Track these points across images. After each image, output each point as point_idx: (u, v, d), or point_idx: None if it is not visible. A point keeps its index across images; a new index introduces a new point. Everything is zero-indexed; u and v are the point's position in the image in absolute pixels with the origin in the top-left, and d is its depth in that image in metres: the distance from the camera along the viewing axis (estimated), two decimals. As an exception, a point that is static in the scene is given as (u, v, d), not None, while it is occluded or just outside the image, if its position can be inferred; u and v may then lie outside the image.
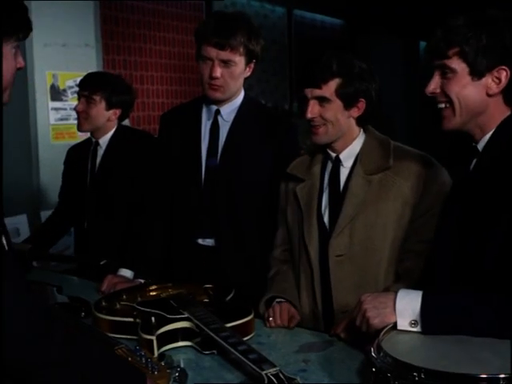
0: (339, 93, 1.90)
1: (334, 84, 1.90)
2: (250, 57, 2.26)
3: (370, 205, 1.90)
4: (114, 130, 2.92)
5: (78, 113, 2.88)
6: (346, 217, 1.91)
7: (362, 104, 1.93)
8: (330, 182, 2.00)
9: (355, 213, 1.91)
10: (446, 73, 1.55)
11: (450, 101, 1.55)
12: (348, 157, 1.98)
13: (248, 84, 2.43)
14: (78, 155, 3.02)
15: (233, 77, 2.25)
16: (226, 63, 2.21)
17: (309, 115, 1.93)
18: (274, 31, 7.07)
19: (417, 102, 8.34)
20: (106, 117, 2.87)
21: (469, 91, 1.53)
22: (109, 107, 2.86)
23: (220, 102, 2.32)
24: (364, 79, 1.92)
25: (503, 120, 1.54)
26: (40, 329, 1.17)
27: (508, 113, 1.54)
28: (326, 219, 1.97)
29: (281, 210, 2.13)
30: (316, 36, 7.77)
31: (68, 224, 3.04)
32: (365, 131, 2.01)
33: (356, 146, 1.98)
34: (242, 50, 2.21)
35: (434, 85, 1.57)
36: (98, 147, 2.92)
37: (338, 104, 1.91)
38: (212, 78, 2.22)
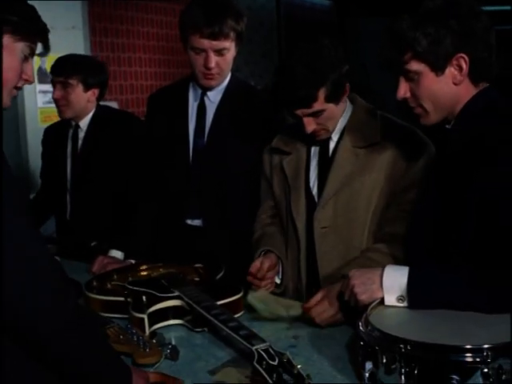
0: (329, 98, 1.85)
1: (322, 94, 1.84)
2: (239, 39, 2.25)
3: (355, 177, 1.90)
4: (93, 111, 2.87)
5: (56, 100, 2.81)
6: (331, 189, 1.91)
7: (347, 86, 1.91)
8: (319, 156, 1.99)
9: (340, 185, 1.90)
10: (410, 76, 1.54)
11: (421, 104, 1.55)
12: (336, 131, 1.96)
13: (236, 66, 2.42)
14: (57, 136, 2.97)
15: (227, 63, 2.26)
16: (219, 51, 2.20)
17: (308, 131, 1.89)
18: (263, 13, 7.03)
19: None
20: (85, 99, 2.82)
21: (437, 88, 1.52)
22: (86, 89, 2.81)
23: None
24: (339, 63, 1.85)
25: (467, 101, 1.53)
26: (58, 295, 1.15)
27: (474, 92, 1.54)
28: (314, 192, 1.96)
29: (265, 185, 2.14)
30: (305, 17, 7.74)
31: (52, 205, 3.00)
32: (352, 102, 2.00)
33: (344, 119, 1.97)
34: (232, 35, 2.20)
35: (403, 90, 1.57)
36: (79, 130, 2.88)
37: (330, 107, 1.88)
38: (208, 68, 2.21)
